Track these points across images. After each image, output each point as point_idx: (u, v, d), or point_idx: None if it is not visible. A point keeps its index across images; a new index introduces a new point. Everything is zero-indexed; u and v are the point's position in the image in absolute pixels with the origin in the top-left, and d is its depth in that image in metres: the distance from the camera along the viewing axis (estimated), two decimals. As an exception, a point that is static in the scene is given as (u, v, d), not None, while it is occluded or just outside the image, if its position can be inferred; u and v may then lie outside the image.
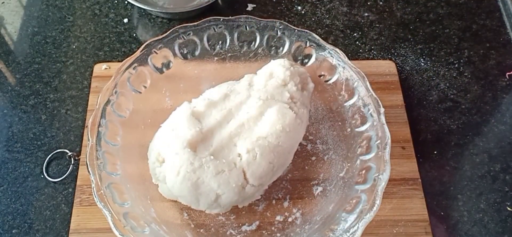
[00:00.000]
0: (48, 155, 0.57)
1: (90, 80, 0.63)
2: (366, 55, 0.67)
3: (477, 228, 0.55)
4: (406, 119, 0.60)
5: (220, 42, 0.57)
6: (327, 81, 0.56)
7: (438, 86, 0.65)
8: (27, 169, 0.56)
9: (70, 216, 0.53)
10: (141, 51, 0.54)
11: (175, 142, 0.48)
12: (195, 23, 0.56)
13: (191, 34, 0.56)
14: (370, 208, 0.46)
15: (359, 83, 0.53)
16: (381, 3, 0.73)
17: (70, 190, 0.55)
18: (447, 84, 0.65)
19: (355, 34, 0.70)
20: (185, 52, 0.56)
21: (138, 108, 0.54)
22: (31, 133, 0.59)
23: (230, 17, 0.56)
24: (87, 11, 0.71)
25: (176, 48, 0.56)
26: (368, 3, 0.73)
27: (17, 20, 0.70)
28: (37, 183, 0.56)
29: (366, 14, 0.72)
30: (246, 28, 0.57)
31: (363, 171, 0.49)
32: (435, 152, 0.60)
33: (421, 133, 0.61)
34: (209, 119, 0.50)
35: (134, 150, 0.52)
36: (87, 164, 0.47)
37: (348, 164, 0.53)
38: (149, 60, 0.54)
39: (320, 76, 0.57)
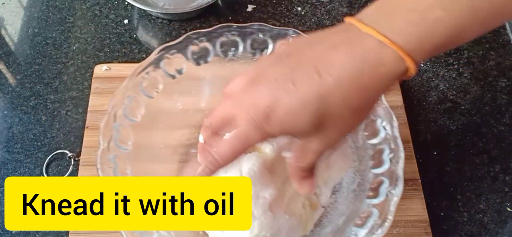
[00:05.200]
0: (48, 156, 0.57)
1: (91, 81, 0.63)
2: (366, 56, 0.68)
3: (477, 228, 0.55)
4: (406, 120, 0.61)
5: (232, 48, 0.57)
6: None
7: (437, 87, 0.65)
8: (27, 170, 0.57)
9: (70, 217, 0.53)
10: (155, 55, 0.54)
11: (255, 204, 0.44)
12: (209, 29, 0.55)
13: (204, 40, 0.55)
14: (381, 224, 0.45)
15: None
16: (380, 4, 0.73)
17: (70, 190, 0.55)
18: (447, 85, 0.65)
19: (355, 35, 0.70)
20: (197, 57, 0.56)
21: (149, 112, 0.54)
22: (31, 134, 0.59)
23: (243, 24, 0.56)
24: (87, 12, 0.71)
25: (189, 54, 0.55)
26: (368, 4, 0.73)
27: (18, 21, 0.70)
28: (37, 183, 0.56)
29: (365, 15, 0.72)
30: (259, 36, 0.56)
31: (375, 185, 0.48)
32: (435, 153, 0.60)
33: (420, 134, 0.61)
34: (280, 170, 0.46)
35: (145, 154, 0.52)
36: (98, 168, 0.47)
37: (360, 177, 0.51)
38: (162, 65, 0.54)
39: None
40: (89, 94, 0.61)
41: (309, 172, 0.41)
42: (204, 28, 0.69)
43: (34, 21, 0.70)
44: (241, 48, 0.57)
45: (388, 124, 0.50)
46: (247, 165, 0.44)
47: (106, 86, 0.62)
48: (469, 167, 0.59)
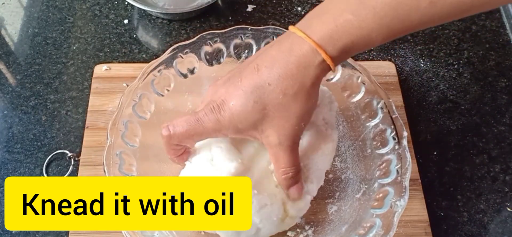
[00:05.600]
0: (48, 156, 0.57)
1: (91, 81, 0.63)
2: (366, 56, 0.68)
3: (477, 228, 0.55)
4: (406, 120, 0.61)
5: (246, 51, 0.57)
6: (351, 99, 0.55)
7: (437, 87, 0.65)
8: (27, 170, 0.57)
9: (70, 217, 0.53)
10: (168, 54, 0.54)
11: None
12: (223, 30, 0.55)
13: (218, 41, 0.55)
14: (384, 235, 0.45)
15: (383, 104, 0.52)
16: (380, 4, 0.73)
17: (70, 190, 0.55)
18: (447, 85, 0.65)
19: (355, 35, 0.70)
20: (210, 58, 0.56)
21: (159, 111, 0.54)
22: (31, 134, 0.59)
23: (258, 27, 0.56)
24: (88, 12, 0.71)
25: (202, 54, 0.55)
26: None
27: (18, 21, 0.70)
28: (37, 183, 0.56)
29: (365, 15, 0.72)
30: (273, 39, 0.56)
31: (380, 195, 0.48)
32: (435, 153, 0.60)
33: (420, 134, 0.61)
34: (248, 148, 0.48)
35: (152, 151, 0.52)
36: (103, 163, 0.47)
37: (366, 186, 0.51)
38: (174, 64, 0.54)
39: (344, 93, 0.56)
40: (89, 94, 0.61)
41: (294, 178, 0.45)
42: (204, 28, 0.69)
43: (34, 21, 0.70)
44: (254, 50, 0.57)
45: (397, 134, 0.50)
46: (216, 143, 0.47)
47: (106, 86, 0.62)
48: (469, 167, 0.59)
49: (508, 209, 0.56)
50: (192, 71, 0.56)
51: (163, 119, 0.54)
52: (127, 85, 0.62)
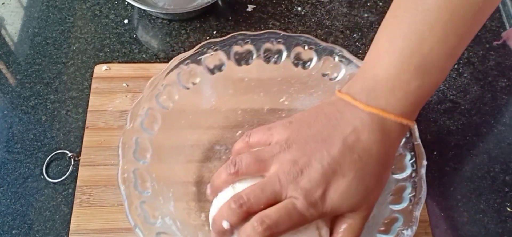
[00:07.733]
0: (48, 156, 0.57)
1: (91, 81, 0.63)
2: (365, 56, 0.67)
3: (477, 228, 0.55)
4: (406, 120, 0.60)
5: (276, 56, 0.56)
6: None
7: (437, 87, 0.65)
8: (27, 170, 0.57)
9: (70, 217, 0.53)
10: (197, 49, 0.54)
11: None
12: (255, 33, 0.55)
13: (249, 42, 0.55)
14: None
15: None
16: (381, 4, 0.74)
17: (70, 191, 0.55)
18: (447, 85, 0.65)
19: (355, 35, 0.70)
20: (239, 58, 0.56)
21: (181, 104, 0.54)
22: (31, 134, 0.59)
23: (290, 34, 0.55)
24: (88, 12, 0.71)
25: (232, 53, 0.55)
26: (368, 4, 0.73)
27: (18, 21, 0.70)
28: (37, 184, 0.56)
29: (366, 15, 0.72)
30: (305, 48, 0.56)
31: (388, 221, 0.47)
32: (435, 153, 0.60)
33: (420, 134, 0.61)
34: None
35: (167, 142, 0.52)
36: (119, 146, 0.47)
37: (376, 210, 0.49)
38: (203, 59, 0.54)
39: None
40: (89, 94, 0.61)
41: None
42: (204, 28, 0.69)
43: (34, 21, 0.70)
44: (284, 57, 0.56)
45: (416, 162, 0.49)
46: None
47: (106, 86, 0.62)
48: (469, 167, 0.59)
49: (508, 209, 0.56)
50: (219, 69, 0.55)
51: (184, 113, 0.54)
52: (127, 85, 0.62)
